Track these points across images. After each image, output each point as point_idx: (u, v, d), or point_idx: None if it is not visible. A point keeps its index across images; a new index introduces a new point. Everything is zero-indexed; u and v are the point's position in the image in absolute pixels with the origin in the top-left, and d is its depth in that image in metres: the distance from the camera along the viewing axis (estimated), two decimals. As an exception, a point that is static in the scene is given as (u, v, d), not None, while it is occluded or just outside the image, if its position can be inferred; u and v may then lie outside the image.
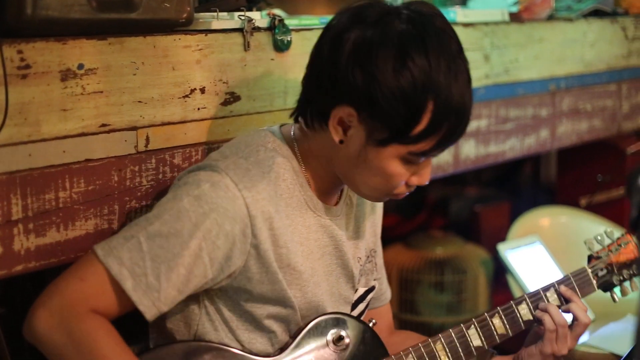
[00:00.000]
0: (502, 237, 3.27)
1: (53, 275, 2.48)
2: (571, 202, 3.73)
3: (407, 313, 3.29)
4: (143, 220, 1.73)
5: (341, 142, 1.79)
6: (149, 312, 1.69)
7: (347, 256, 1.96)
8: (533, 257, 3.12)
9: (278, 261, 1.80)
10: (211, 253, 1.72)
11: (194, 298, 1.81)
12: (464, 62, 1.77)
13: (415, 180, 1.84)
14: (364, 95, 1.72)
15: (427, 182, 1.86)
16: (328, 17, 2.38)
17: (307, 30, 2.25)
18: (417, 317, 3.27)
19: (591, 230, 3.31)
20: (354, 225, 2.02)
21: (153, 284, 1.68)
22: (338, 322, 1.93)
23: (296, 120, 1.89)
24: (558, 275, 3.10)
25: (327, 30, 1.81)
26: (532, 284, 3.02)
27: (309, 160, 1.88)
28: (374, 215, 2.10)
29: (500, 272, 3.24)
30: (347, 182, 1.88)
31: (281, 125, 1.94)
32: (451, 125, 1.75)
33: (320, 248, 1.91)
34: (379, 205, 2.11)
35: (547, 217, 3.36)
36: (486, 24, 2.84)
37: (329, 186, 1.91)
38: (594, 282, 2.16)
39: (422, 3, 1.80)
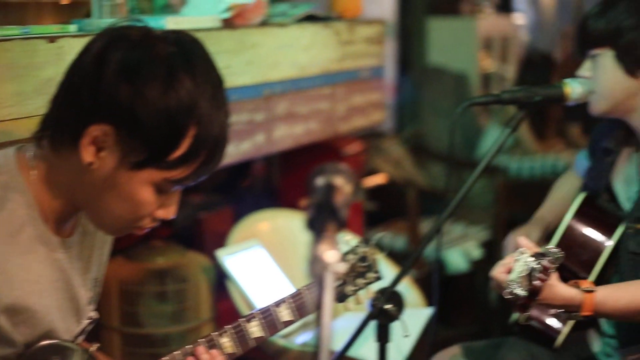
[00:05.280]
0: (225, 243, 3.28)
1: None
2: (294, 204, 3.80)
3: (129, 326, 3.22)
4: None
5: (91, 164, 1.72)
6: None
7: (75, 290, 1.90)
8: (253, 261, 3.15)
9: (13, 304, 1.72)
10: None
11: None
12: (224, 94, 1.79)
13: (162, 214, 1.82)
14: (127, 112, 1.67)
15: (173, 216, 1.84)
16: (30, 27, 2.30)
17: (6, 40, 2.15)
18: (140, 330, 3.21)
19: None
20: (87, 254, 1.96)
21: None
22: (57, 350, 1.85)
23: (38, 143, 1.80)
24: (280, 277, 3.16)
25: (88, 49, 1.75)
26: (252, 289, 3.04)
27: (45, 189, 1.80)
28: (105, 241, 2.04)
29: (223, 279, 3.25)
30: (89, 211, 1.82)
31: (18, 148, 1.84)
32: (209, 154, 1.75)
33: (51, 283, 1.83)
34: None
35: (265, 221, 3.40)
36: (197, 30, 2.83)
37: (65, 216, 1.84)
38: None
39: (182, 32, 1.80)
